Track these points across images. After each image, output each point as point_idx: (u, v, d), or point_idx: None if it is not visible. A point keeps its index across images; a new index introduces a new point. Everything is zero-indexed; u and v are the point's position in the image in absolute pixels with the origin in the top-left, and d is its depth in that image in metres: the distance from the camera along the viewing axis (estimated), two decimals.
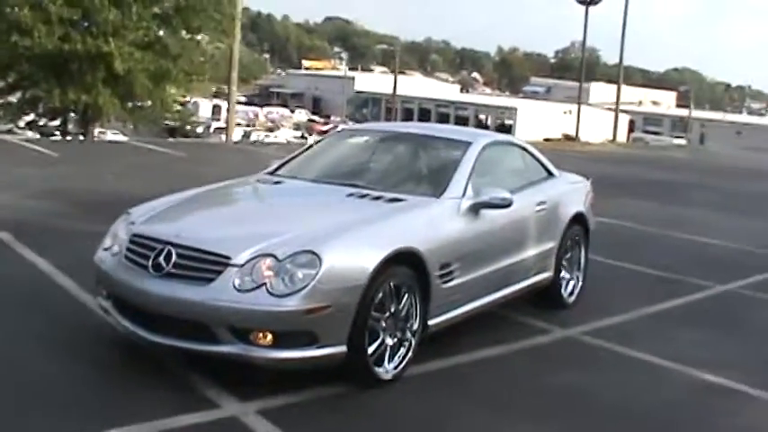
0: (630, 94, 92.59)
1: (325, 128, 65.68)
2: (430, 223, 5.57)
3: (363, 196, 5.76)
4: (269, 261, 4.70)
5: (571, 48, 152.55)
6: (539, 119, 71.61)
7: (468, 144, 6.49)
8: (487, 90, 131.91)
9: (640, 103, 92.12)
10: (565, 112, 75.55)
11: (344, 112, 76.01)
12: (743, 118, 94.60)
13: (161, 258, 4.85)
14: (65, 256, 7.68)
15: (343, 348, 4.79)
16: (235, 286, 4.65)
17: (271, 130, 57.00)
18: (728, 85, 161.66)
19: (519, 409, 5.12)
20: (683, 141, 69.18)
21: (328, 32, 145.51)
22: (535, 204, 6.83)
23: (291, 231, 4.97)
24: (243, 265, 4.70)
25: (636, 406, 5.35)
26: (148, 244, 5.02)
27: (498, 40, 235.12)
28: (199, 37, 23.25)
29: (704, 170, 25.69)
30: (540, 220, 6.90)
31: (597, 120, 66.23)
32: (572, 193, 7.67)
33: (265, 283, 4.65)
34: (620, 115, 74.12)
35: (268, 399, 4.74)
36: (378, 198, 5.72)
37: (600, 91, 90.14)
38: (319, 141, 7.25)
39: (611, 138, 60.47)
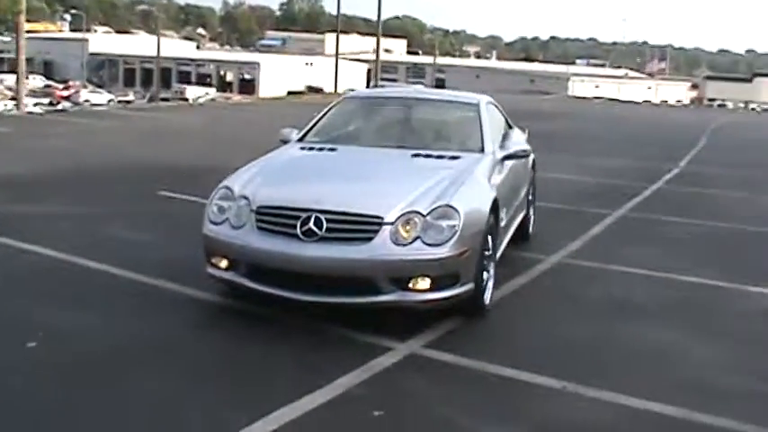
0: (364, 43, 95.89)
1: (65, 93, 62.22)
2: (490, 175, 6.43)
3: (428, 156, 6.49)
4: (415, 217, 5.36)
5: (294, 0, 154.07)
6: (281, 72, 72.25)
7: (476, 105, 7.38)
8: (216, 46, 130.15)
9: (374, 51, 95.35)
10: (307, 64, 77.02)
11: (84, 75, 72.36)
12: (477, 62, 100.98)
13: (311, 225, 5.30)
14: (55, 239, 7.68)
15: (472, 285, 5.57)
16: (393, 241, 5.27)
17: (14, 99, 53.16)
18: (447, 31, 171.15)
19: (588, 307, 6.44)
20: (421, 87, 73.05)
21: None
22: None
23: (415, 190, 5.61)
24: (394, 223, 5.32)
25: (650, 302, 6.73)
26: (285, 213, 5.41)
27: None
28: None
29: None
30: (522, 167, 7.94)
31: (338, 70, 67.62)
32: (526, 142, 8.77)
33: (419, 236, 5.31)
34: (358, 64, 76.84)
35: (419, 337, 5.40)
36: (440, 157, 6.48)
37: (335, 41, 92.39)
38: (330, 109, 7.67)
39: (353, 87, 62.49)
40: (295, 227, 5.34)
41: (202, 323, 5.75)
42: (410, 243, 5.30)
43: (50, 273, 6.79)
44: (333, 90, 55.22)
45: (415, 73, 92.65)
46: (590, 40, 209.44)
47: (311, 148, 6.88)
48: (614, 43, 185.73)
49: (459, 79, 74.02)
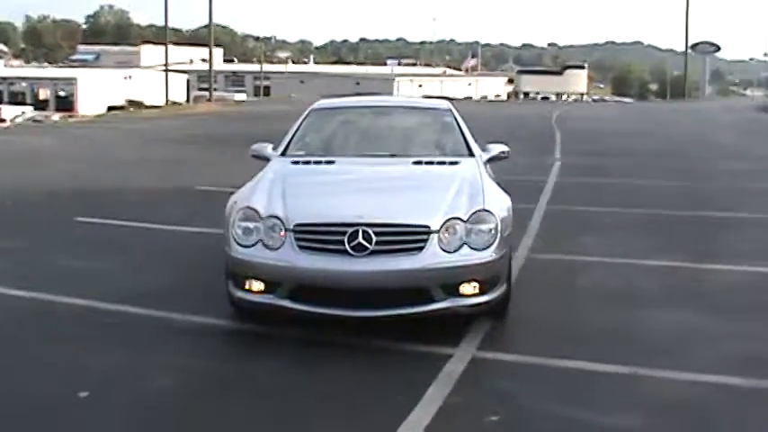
0: (179, 53, 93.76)
1: None
2: (489, 177, 6.61)
3: (429, 163, 6.60)
4: (457, 223, 5.45)
5: (101, 12, 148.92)
6: (99, 87, 69.41)
7: (450, 110, 7.57)
8: (22, 63, 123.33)
9: (191, 61, 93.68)
10: (125, 78, 74.44)
11: None
12: (301, 67, 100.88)
13: (360, 239, 5.26)
14: (10, 277, 7.24)
15: (506, 286, 5.73)
16: (443, 249, 5.34)
17: None
18: (257, 38, 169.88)
19: (589, 297, 6.62)
20: (243, 96, 72.32)
21: None
22: None
23: (445, 197, 5.71)
24: (439, 231, 5.39)
25: (636, 287, 7.13)
26: (329, 230, 5.36)
27: (26, 10, 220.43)
28: None
29: None
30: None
31: (157, 82, 65.88)
32: None
33: (465, 242, 5.41)
34: (177, 75, 75.05)
35: (467, 341, 5.50)
36: (441, 163, 6.62)
37: (152, 53, 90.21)
38: (303, 122, 7.54)
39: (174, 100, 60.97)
40: (342, 242, 5.28)
41: (241, 353, 5.55)
42: (458, 249, 5.39)
43: (41, 315, 6.35)
44: (164, 102, 53.56)
45: (235, 81, 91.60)
46: (399, 40, 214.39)
47: (306, 162, 6.80)
48: (423, 42, 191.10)
49: (284, 86, 73.88)
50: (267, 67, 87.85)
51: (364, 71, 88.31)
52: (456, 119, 7.41)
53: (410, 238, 5.35)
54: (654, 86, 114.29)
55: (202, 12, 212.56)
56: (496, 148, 7.28)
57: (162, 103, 55.02)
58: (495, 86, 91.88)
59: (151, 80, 65.25)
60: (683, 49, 74.45)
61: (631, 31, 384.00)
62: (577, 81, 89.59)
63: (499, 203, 5.83)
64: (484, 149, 7.21)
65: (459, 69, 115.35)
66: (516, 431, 4.27)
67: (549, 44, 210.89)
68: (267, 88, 77.27)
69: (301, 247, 5.39)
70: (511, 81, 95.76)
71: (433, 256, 5.32)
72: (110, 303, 6.50)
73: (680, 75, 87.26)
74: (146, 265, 7.95)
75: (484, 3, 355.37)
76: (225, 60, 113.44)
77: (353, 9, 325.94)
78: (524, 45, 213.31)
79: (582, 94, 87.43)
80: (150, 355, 5.44)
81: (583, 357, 5.23)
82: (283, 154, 7.07)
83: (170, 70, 52.78)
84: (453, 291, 5.38)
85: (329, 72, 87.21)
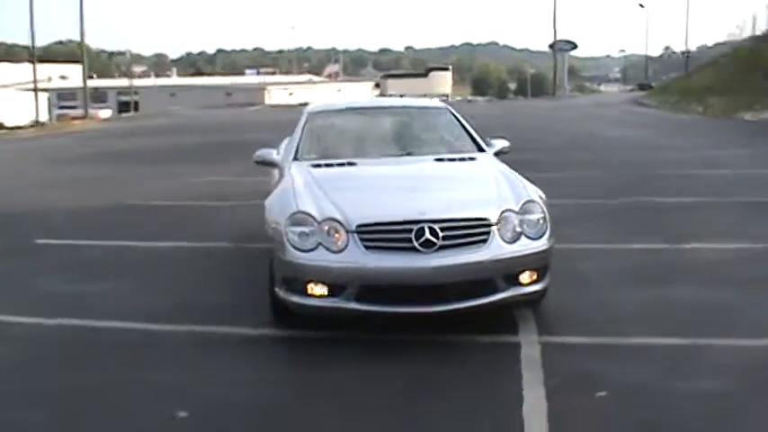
0: (38, 71, 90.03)
1: None
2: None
3: (451, 160, 6.84)
4: (511, 215, 5.71)
5: None
6: None
7: (447, 108, 7.84)
8: None
9: (50, 79, 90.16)
10: None
11: None
12: (168, 80, 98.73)
13: (427, 235, 5.41)
14: (14, 304, 6.99)
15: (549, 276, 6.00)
16: (504, 240, 5.58)
17: None
18: (112, 53, 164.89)
19: (601, 280, 6.96)
20: (108, 113, 70.35)
21: None
22: None
23: (489, 190, 6.01)
24: (497, 223, 5.62)
25: (639, 268, 7.49)
26: (394, 228, 5.46)
27: None
28: None
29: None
30: None
31: (15, 102, 63.13)
32: None
33: (521, 232, 5.66)
34: (39, 94, 72.20)
35: (523, 329, 5.80)
36: (462, 159, 6.86)
37: (5, 72, 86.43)
38: (305, 126, 7.57)
39: (35, 119, 58.73)
40: (410, 240, 5.41)
41: (308, 360, 5.52)
42: (516, 240, 5.65)
43: (76, 340, 6.14)
44: (32, 122, 51.39)
45: (97, 98, 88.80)
46: (256, 49, 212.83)
47: (328, 165, 6.82)
48: (281, 51, 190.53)
49: (154, 99, 72.30)
50: (137, 82, 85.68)
51: (231, 81, 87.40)
52: (456, 116, 7.67)
53: (474, 231, 5.55)
54: (512, 85, 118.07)
55: (49, 28, 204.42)
56: (499, 143, 7.56)
57: (24, 123, 52.87)
58: (362, 91, 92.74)
59: (8, 99, 62.42)
60: (537, 48, 77.32)
61: (487, 31, 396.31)
62: (442, 82, 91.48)
63: (539, 195, 6.12)
64: (488, 144, 7.47)
65: (320, 76, 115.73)
66: (632, 403, 4.53)
67: (407, 47, 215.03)
68: (136, 103, 75.27)
69: (368, 248, 5.47)
70: (377, 86, 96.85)
71: (497, 248, 5.55)
72: (139, 323, 6.37)
73: (537, 73, 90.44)
74: (145, 282, 7.79)
75: (341, 9, 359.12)
76: (89, 77, 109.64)
77: (208, 20, 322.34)
78: (382, 50, 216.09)
79: (446, 95, 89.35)
80: (216, 370, 5.38)
81: (645, 335, 5.60)
82: (296, 159, 7.11)
83: (38, 89, 50.67)
84: (514, 280, 5.63)
85: (197, 84, 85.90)
